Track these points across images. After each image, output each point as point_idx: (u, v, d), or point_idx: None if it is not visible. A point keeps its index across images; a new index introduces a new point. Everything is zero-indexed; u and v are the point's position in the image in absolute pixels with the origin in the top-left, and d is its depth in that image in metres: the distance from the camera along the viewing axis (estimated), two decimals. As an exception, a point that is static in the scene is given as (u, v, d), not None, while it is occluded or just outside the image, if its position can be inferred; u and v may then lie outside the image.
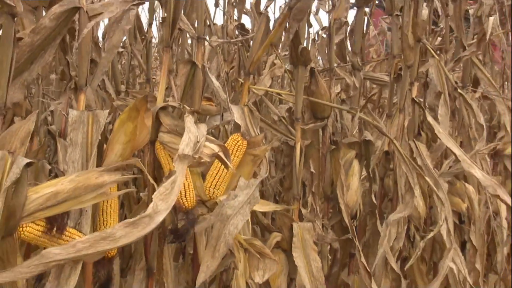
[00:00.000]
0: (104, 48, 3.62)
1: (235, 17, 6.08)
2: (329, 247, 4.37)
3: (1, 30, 2.58)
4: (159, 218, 2.33)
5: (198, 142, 2.57)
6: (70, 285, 2.53)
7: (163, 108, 2.85)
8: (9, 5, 2.42)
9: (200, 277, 2.89)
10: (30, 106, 3.89)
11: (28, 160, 2.39)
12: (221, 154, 2.73)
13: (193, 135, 2.58)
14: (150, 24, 4.74)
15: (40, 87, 3.96)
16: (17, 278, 2.32)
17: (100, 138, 2.75)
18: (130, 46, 5.08)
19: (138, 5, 3.14)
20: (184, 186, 2.78)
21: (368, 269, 3.92)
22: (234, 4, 5.95)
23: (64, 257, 2.26)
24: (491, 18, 5.36)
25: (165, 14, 3.36)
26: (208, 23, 5.11)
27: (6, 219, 2.35)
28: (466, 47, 5.19)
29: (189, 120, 2.66)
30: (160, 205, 2.35)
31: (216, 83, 3.46)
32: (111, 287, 3.09)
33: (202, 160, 2.66)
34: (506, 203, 4.50)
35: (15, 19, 2.48)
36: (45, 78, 4.80)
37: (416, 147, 4.25)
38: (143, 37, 5.06)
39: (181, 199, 2.79)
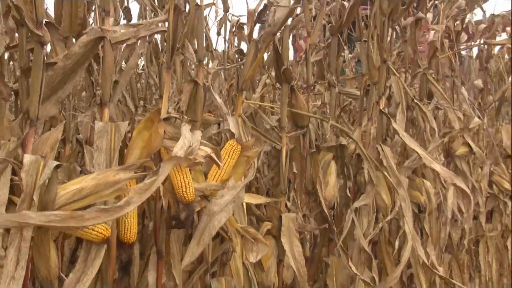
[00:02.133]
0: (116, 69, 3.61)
1: (235, 44, 6.09)
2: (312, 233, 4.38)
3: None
4: (129, 209, 2.39)
5: (191, 146, 2.59)
6: (95, 265, 2.54)
7: (166, 119, 2.86)
8: (38, 35, 2.42)
9: (185, 261, 2.92)
10: (64, 119, 3.88)
11: (57, 163, 2.41)
12: (213, 155, 2.77)
13: (187, 140, 2.63)
14: (162, 50, 4.73)
15: (71, 103, 3.96)
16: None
17: (121, 144, 2.74)
18: (147, 68, 5.09)
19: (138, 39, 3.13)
20: (184, 183, 2.82)
21: (346, 252, 3.92)
22: (234, 33, 5.96)
23: (36, 222, 2.26)
24: (432, 32, 5.39)
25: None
26: (210, 50, 5.12)
27: (40, 211, 2.33)
28: (421, 66, 5.22)
29: (185, 128, 2.71)
30: (135, 198, 2.39)
31: (218, 99, 3.48)
32: (132, 267, 3.09)
33: (196, 161, 2.69)
34: (462, 190, 4.66)
35: (44, 47, 2.49)
36: (76, 95, 4.80)
37: (382, 150, 4.25)
38: (158, 60, 5.07)
39: (182, 193, 2.82)
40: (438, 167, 4.33)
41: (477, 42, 6.86)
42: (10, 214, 2.28)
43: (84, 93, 5.07)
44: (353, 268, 3.88)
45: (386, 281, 4.29)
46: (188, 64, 4.52)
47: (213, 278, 3.25)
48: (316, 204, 4.09)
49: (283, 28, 3.51)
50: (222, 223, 2.95)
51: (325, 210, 4.02)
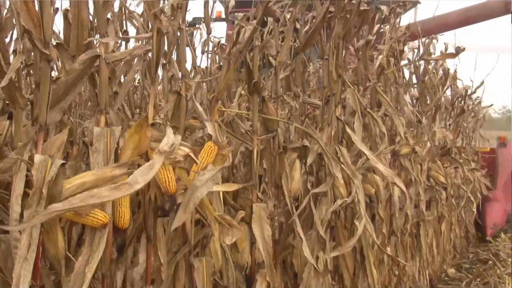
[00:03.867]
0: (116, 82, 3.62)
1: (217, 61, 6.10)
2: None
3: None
4: (136, 187, 2.42)
5: (173, 144, 2.61)
6: (100, 249, 2.56)
7: (152, 125, 2.89)
8: (46, 54, 2.46)
9: (174, 224, 2.95)
10: (72, 124, 3.88)
11: (63, 161, 2.44)
12: (191, 154, 2.80)
13: (170, 139, 2.66)
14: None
15: (77, 111, 3.97)
16: (32, 224, 2.32)
17: (116, 146, 2.76)
18: (142, 82, 5.10)
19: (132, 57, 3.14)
20: (168, 178, 2.86)
21: (302, 236, 3.93)
22: (216, 52, 5.96)
23: (62, 208, 2.29)
24: (380, 56, 5.45)
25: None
26: (195, 66, 5.13)
27: (49, 202, 2.35)
28: (371, 80, 5.28)
29: (169, 130, 2.76)
30: (139, 179, 2.42)
31: (200, 108, 3.48)
32: (126, 248, 3.10)
33: (176, 159, 2.74)
34: (400, 188, 4.82)
35: (51, 63, 2.51)
36: (84, 104, 4.80)
37: (340, 149, 4.31)
38: (151, 75, 5.07)
39: (167, 187, 2.85)
40: (381, 167, 4.45)
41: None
42: (42, 212, 2.29)
43: (89, 103, 5.08)
44: (308, 255, 3.90)
45: (339, 249, 4.38)
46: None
47: (195, 258, 3.26)
48: (283, 195, 4.11)
49: (254, 47, 3.54)
50: (203, 195, 2.98)
51: (288, 201, 4.03)
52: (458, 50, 6.34)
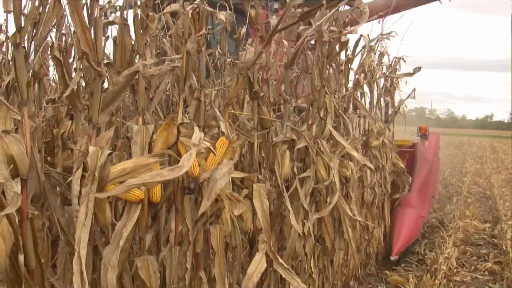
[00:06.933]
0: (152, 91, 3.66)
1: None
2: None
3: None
4: (184, 170, 2.54)
5: (200, 139, 2.69)
6: (134, 216, 2.64)
7: (181, 124, 2.95)
8: (98, 71, 2.52)
9: (201, 210, 3.00)
10: (117, 123, 3.94)
11: (110, 152, 2.50)
12: (211, 147, 2.87)
13: (198, 135, 2.73)
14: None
15: (121, 113, 4.03)
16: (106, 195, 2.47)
17: (150, 140, 2.82)
18: (172, 91, 5.13)
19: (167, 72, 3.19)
20: (193, 164, 2.88)
21: (290, 208, 4.04)
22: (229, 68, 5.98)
23: (137, 182, 2.48)
24: (362, 74, 5.52)
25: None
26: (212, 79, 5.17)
27: (99, 182, 2.44)
28: (348, 89, 5.35)
29: (196, 129, 2.81)
30: (185, 163, 2.55)
31: (217, 113, 3.53)
32: (158, 218, 3.17)
33: (201, 151, 2.79)
34: (370, 169, 4.87)
35: (102, 77, 2.57)
36: (126, 108, 4.86)
37: (321, 142, 4.38)
38: (178, 86, 5.08)
39: (192, 171, 2.91)
40: (355, 154, 4.53)
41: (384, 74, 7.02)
42: (98, 194, 2.42)
43: (131, 107, 5.14)
44: (294, 223, 4.00)
45: (320, 213, 4.53)
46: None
47: (211, 225, 3.32)
48: (276, 178, 4.17)
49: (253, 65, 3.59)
50: (222, 186, 3.02)
51: (280, 182, 4.11)
52: (415, 70, 6.56)
